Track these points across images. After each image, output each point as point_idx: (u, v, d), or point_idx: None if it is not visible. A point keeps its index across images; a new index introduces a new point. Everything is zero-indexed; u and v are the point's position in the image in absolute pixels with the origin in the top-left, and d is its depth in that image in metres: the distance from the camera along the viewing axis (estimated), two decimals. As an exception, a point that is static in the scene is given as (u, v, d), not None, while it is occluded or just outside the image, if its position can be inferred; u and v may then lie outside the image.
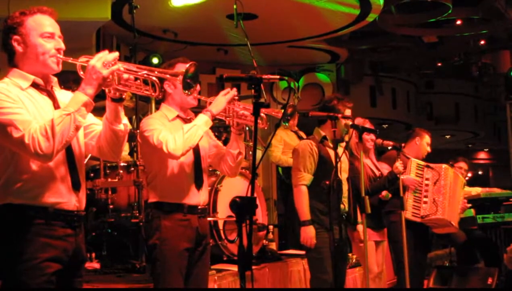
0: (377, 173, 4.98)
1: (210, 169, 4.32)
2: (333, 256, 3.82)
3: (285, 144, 6.78)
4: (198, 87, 2.66)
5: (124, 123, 2.57)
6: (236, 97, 3.21)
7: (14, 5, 5.49)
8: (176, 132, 3.08)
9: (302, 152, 4.19)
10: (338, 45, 9.48)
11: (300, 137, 6.70)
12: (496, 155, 18.78)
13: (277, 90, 10.12)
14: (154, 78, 2.46)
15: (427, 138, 5.38)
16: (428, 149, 5.38)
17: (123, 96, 2.49)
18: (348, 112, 4.21)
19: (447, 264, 7.23)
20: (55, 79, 2.56)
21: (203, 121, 3.12)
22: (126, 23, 7.22)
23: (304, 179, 4.13)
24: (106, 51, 2.41)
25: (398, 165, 4.72)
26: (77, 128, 2.33)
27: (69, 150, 2.45)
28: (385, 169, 5.07)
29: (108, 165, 5.03)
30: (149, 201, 3.26)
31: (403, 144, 5.14)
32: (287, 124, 3.29)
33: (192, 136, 3.06)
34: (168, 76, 2.60)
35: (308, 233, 4.06)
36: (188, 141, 3.05)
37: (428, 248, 5.67)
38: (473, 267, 6.50)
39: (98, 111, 2.63)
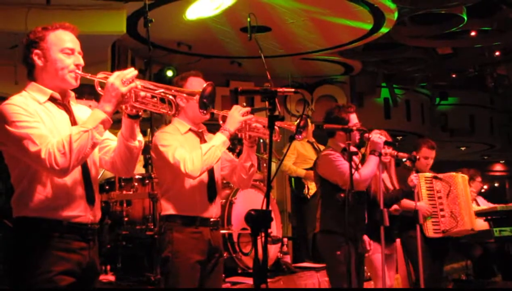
0: (391, 188, 4.90)
1: (224, 181, 4.31)
2: (355, 269, 3.77)
3: (298, 155, 6.75)
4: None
5: (139, 140, 2.57)
6: (250, 116, 3.21)
7: (32, 20, 5.58)
8: (193, 151, 3.09)
9: (333, 155, 4.05)
10: (351, 57, 9.47)
11: (317, 149, 6.67)
12: (512, 167, 18.59)
13: (290, 102, 10.12)
14: (170, 96, 2.46)
15: (424, 152, 5.27)
16: (428, 162, 5.28)
17: (140, 113, 2.49)
18: (353, 117, 4.09)
19: (464, 278, 7.14)
20: (72, 93, 2.58)
21: (221, 141, 3.14)
22: (141, 37, 7.29)
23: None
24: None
25: (413, 177, 4.68)
26: (94, 145, 2.34)
27: (84, 164, 2.46)
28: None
29: (123, 177, 5.04)
30: (162, 214, 3.28)
31: (417, 157, 5.09)
32: (300, 136, 3.27)
33: (210, 157, 3.09)
34: (185, 95, 2.59)
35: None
36: (206, 162, 3.07)
37: (445, 261, 5.61)
38: (490, 281, 6.41)
39: (113, 124, 2.64)
